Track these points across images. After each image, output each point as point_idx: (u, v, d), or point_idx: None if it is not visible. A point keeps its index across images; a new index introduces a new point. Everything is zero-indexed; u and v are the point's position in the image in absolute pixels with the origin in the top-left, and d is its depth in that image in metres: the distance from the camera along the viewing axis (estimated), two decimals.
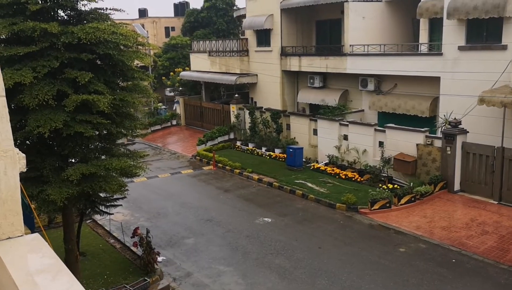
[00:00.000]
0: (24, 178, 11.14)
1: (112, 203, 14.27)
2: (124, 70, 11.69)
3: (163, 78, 41.55)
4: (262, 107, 27.71)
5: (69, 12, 11.45)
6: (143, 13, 57.09)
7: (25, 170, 3.42)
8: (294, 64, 27.26)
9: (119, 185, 11.32)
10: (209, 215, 17.95)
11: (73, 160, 11.66)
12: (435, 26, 21.59)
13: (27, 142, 11.40)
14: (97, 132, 11.23)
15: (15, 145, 10.85)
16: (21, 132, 10.36)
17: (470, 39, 18.93)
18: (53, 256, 2.75)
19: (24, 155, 3.28)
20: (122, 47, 11.52)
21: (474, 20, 18.40)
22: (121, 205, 14.64)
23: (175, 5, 56.94)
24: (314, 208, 18.30)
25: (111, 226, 16.91)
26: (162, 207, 19.10)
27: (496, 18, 17.72)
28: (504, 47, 17.75)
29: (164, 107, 37.77)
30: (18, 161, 3.18)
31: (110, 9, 12.14)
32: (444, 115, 18.72)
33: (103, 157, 11.91)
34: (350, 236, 15.56)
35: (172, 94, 39.26)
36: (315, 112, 25.57)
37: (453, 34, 19.33)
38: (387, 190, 18.03)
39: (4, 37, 10.86)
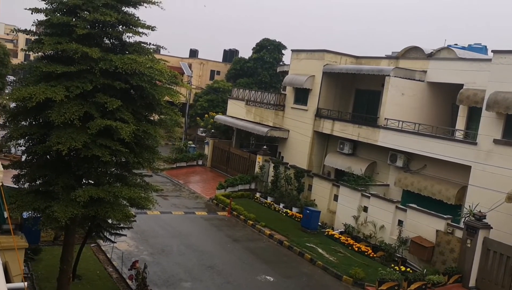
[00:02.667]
0: (35, 191, 11.33)
1: (117, 232, 14.24)
2: (153, 104, 11.93)
3: (198, 118, 42.34)
4: (287, 163, 27.62)
5: (113, 41, 11.93)
6: (193, 53, 59.17)
7: (1, 184, 3.43)
8: (327, 126, 27.29)
9: (124, 214, 11.29)
10: (212, 262, 17.59)
11: (86, 181, 11.79)
12: (474, 115, 21.33)
13: (48, 156, 11.65)
14: (115, 159, 11.36)
15: (34, 157, 11.08)
16: (41, 146, 10.61)
17: (507, 134, 18.52)
18: None
19: (2, 169, 3.30)
20: (156, 81, 11.83)
21: None
22: (125, 235, 14.57)
23: (225, 51, 58.83)
24: (320, 276, 17.67)
25: (113, 254, 16.77)
26: (167, 244, 18.89)
27: None
28: None
29: (193, 145, 38.23)
30: None
31: (153, 44, 12.61)
32: (470, 206, 18.07)
33: (116, 183, 11.99)
34: None
35: (203, 134, 39.81)
36: (340, 178, 25.24)
37: (490, 126, 18.99)
38: (398, 272, 17.28)
39: (47, 53, 11.36)
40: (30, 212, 11.41)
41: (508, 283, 16.12)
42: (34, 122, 11.46)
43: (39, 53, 11.40)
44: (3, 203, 6.90)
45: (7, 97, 10.76)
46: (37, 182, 11.61)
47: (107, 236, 14.28)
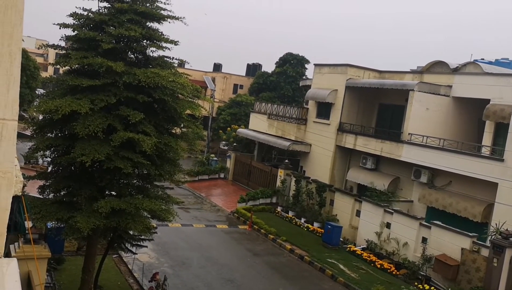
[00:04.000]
0: (59, 201, 11.56)
1: (138, 243, 14.34)
2: (175, 117, 12.10)
3: (220, 131, 42.58)
4: (309, 177, 27.47)
5: (137, 55, 12.19)
6: (217, 67, 59.84)
7: (20, 194, 3.51)
8: (349, 141, 27.09)
9: (145, 226, 11.40)
10: (232, 276, 17.54)
11: (109, 193, 11.97)
12: (501, 131, 20.86)
13: (72, 167, 11.90)
14: (136, 171, 11.52)
15: (59, 168, 11.31)
16: (66, 157, 10.84)
17: None
18: (15, 286, 2.74)
19: (22, 179, 3.38)
20: (178, 95, 12.00)
21: None
22: (146, 246, 14.66)
23: (248, 65, 59.32)
24: None
25: (134, 265, 16.90)
26: (188, 257, 18.93)
27: None
28: None
29: (215, 158, 38.43)
30: (15, 184, 3.27)
31: (176, 59, 12.84)
32: (496, 224, 17.61)
33: (138, 195, 12.13)
34: None
35: (226, 148, 40.01)
36: (362, 193, 24.95)
37: None
38: None
39: (74, 67, 11.67)
40: (54, 222, 11.63)
41: None
42: (59, 134, 11.75)
43: (66, 67, 11.72)
44: (25, 213, 7.06)
45: (35, 109, 11.08)
46: (61, 193, 11.85)
47: (129, 247, 14.41)
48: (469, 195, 21.16)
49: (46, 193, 11.97)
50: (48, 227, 13.34)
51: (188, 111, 12.04)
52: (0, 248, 3.17)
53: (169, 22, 12.52)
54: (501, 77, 21.94)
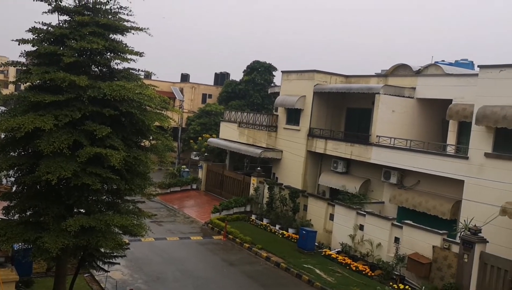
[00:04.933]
0: (25, 222, 11.19)
1: (110, 260, 14.01)
2: (143, 130, 11.93)
3: (191, 141, 42.27)
4: (282, 184, 27.54)
5: (101, 68, 11.98)
6: (185, 78, 59.50)
7: None
8: (319, 146, 27.34)
9: (116, 242, 11.16)
10: (208, 287, 17.33)
11: (77, 210, 11.66)
12: (464, 130, 21.48)
13: (37, 186, 11.55)
14: (106, 186, 11.28)
15: (24, 188, 10.98)
16: (31, 176, 10.52)
17: (498, 148, 18.62)
18: None
19: None
20: (146, 107, 11.84)
21: (502, 129, 18.20)
22: (118, 263, 14.36)
23: (216, 74, 59.26)
24: None
25: (107, 284, 16.48)
26: (163, 271, 18.62)
27: None
28: None
29: (187, 169, 38.09)
30: None
31: (142, 70, 12.69)
32: (465, 220, 18.03)
33: (108, 211, 11.87)
34: None
35: (197, 158, 39.73)
36: (335, 197, 25.17)
37: (480, 140, 19.10)
38: None
39: (35, 83, 11.37)
40: (20, 244, 11.24)
41: None
42: (23, 152, 11.41)
43: (28, 83, 11.41)
44: None
45: None
46: (27, 213, 11.48)
47: (100, 265, 14.05)
48: (438, 193, 21.65)
49: (11, 214, 11.56)
50: (15, 249, 12.90)
51: (156, 123, 11.89)
52: None
53: (133, 34, 12.38)
54: (461, 78, 22.62)
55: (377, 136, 24.02)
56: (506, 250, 16.98)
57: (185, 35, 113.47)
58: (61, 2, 11.78)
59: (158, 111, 12.42)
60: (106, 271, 14.41)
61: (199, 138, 41.19)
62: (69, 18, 11.85)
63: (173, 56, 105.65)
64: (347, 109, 28.99)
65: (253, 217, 27.46)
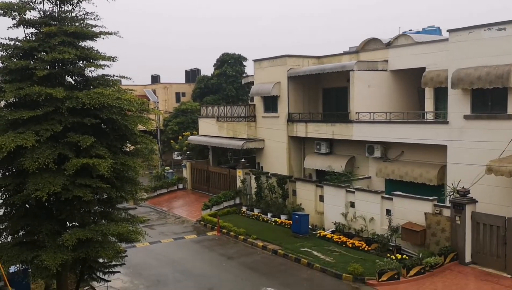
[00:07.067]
0: (19, 242, 10.93)
1: (110, 270, 13.86)
2: (127, 135, 11.75)
3: (172, 141, 41.93)
4: (268, 172, 27.58)
5: (76, 78, 11.72)
6: (155, 79, 58.79)
7: None
8: (300, 130, 27.43)
9: (115, 251, 11.03)
10: (211, 284, 17.30)
11: (71, 224, 11.45)
12: (440, 95, 21.81)
13: (26, 205, 11.28)
14: (97, 196, 11.10)
15: (13, 209, 10.71)
16: (19, 196, 10.27)
17: (476, 109, 18.99)
18: None
19: None
20: (126, 112, 11.65)
21: (478, 90, 18.56)
22: (119, 271, 14.19)
23: (187, 72, 58.68)
24: (320, 279, 17.59)
25: None
26: (162, 274, 18.50)
27: (500, 88, 17.86)
28: (510, 117, 17.73)
29: (171, 170, 37.79)
30: None
31: (117, 76, 12.44)
32: (452, 184, 18.39)
33: (102, 221, 11.70)
34: None
35: (179, 158, 39.44)
36: (322, 178, 25.34)
37: (458, 103, 19.43)
38: (395, 260, 17.36)
39: (10, 101, 11.05)
40: (17, 265, 11.00)
41: (503, 252, 16.41)
42: (7, 173, 11.10)
43: (2, 102, 11.09)
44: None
45: None
46: (20, 233, 11.22)
47: (101, 276, 13.88)
48: (423, 161, 22.00)
49: (3, 236, 11.28)
50: (11, 271, 12.61)
51: (139, 126, 11.72)
52: None
53: (103, 38, 12.14)
54: (431, 44, 22.91)
55: (356, 112, 24.21)
56: (497, 207, 17.39)
57: (148, 32, 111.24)
58: (25, 15, 11.44)
59: (138, 114, 12.25)
60: (107, 281, 14.25)
61: (180, 137, 40.84)
62: (36, 30, 11.53)
63: (142, 57, 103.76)
64: (323, 90, 29.12)
65: (244, 208, 27.47)
